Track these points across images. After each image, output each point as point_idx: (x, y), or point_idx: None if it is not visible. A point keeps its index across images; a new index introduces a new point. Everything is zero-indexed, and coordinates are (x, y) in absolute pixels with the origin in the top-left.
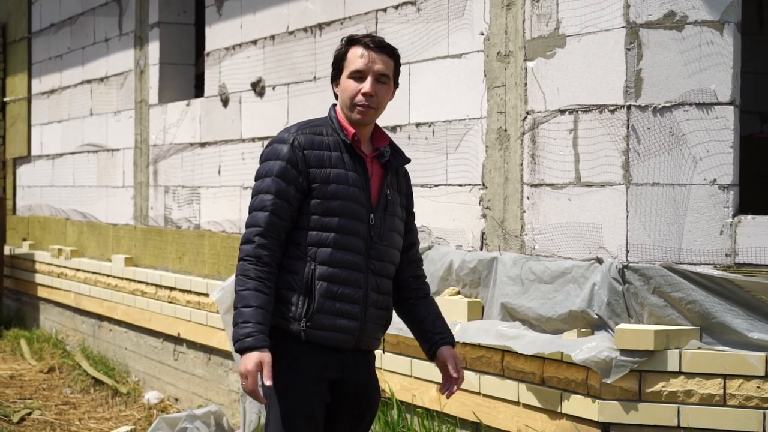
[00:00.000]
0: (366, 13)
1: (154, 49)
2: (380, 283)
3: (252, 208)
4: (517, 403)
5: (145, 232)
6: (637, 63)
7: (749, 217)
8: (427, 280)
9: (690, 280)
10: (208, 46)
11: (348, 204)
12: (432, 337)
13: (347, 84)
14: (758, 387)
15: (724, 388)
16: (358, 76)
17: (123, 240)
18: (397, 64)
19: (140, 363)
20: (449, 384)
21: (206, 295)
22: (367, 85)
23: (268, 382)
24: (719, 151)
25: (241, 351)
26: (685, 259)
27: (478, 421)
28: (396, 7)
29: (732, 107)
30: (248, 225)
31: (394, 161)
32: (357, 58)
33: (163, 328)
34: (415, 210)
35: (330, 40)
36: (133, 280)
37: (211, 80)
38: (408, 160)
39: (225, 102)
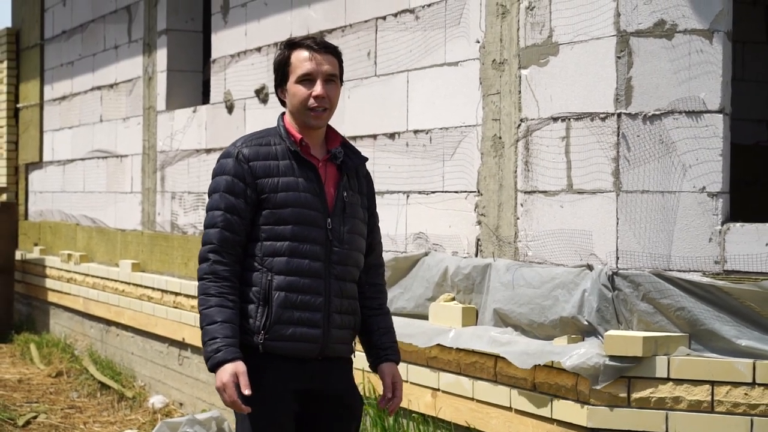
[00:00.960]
0: (366, 21)
1: (161, 55)
2: (344, 288)
3: (205, 226)
4: (509, 409)
5: (152, 237)
6: (628, 71)
7: (738, 224)
8: (386, 289)
9: (679, 287)
10: (214, 53)
11: (300, 211)
12: (377, 352)
13: (296, 89)
14: (746, 394)
15: (712, 394)
16: (307, 79)
17: (131, 245)
18: (340, 63)
19: (146, 368)
20: (386, 401)
21: None
22: (318, 88)
23: (246, 392)
24: (708, 158)
25: (214, 367)
26: (675, 266)
27: (470, 426)
28: (395, 15)
29: (721, 115)
30: (202, 243)
31: (350, 162)
32: (303, 61)
33: (169, 333)
34: (410, 216)
35: None
36: (140, 285)
37: (217, 87)
38: (365, 159)
39: (230, 108)
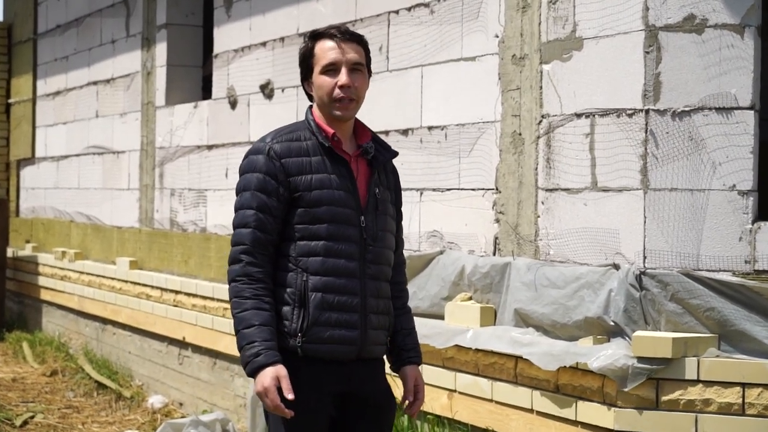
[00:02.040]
0: (377, 15)
1: (161, 50)
2: (379, 288)
3: (235, 225)
4: (531, 411)
5: (150, 234)
6: (656, 66)
7: None
8: (407, 287)
9: (708, 286)
10: (217, 48)
11: (335, 209)
12: (399, 353)
13: (321, 80)
14: None
15: (743, 396)
16: (332, 69)
17: (128, 243)
18: (367, 52)
19: (144, 367)
20: (408, 404)
21: (212, 298)
22: (343, 77)
23: (290, 396)
24: (739, 156)
25: (253, 372)
26: (704, 266)
27: (489, 428)
28: (408, 9)
29: (752, 112)
30: (233, 244)
31: (380, 157)
32: (327, 51)
33: (168, 332)
34: (424, 214)
35: None
36: (138, 284)
37: (219, 82)
38: (395, 154)
39: (233, 104)
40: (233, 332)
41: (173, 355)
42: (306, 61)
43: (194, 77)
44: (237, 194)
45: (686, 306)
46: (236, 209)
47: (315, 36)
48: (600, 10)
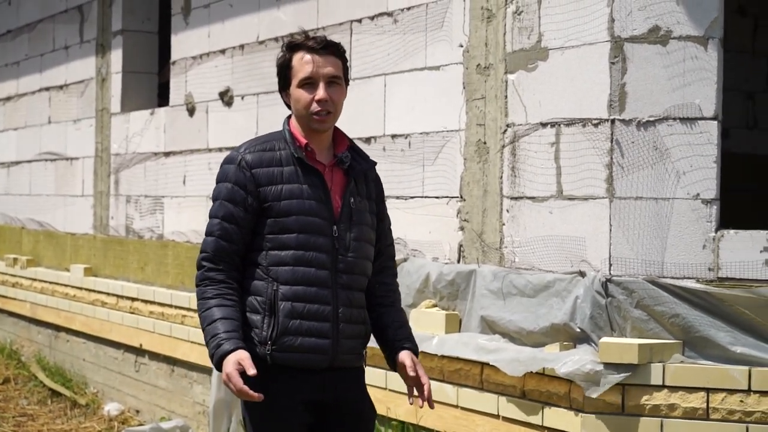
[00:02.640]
0: (340, 24)
1: (116, 57)
2: (351, 297)
3: (205, 233)
4: (497, 416)
5: (105, 241)
6: (622, 77)
7: (732, 231)
8: (399, 289)
9: (673, 293)
10: (174, 55)
11: (305, 219)
12: (393, 344)
13: (299, 94)
14: (741, 401)
15: (708, 401)
16: (309, 83)
17: (82, 249)
18: (344, 61)
19: (99, 374)
20: (418, 392)
21: (170, 305)
22: (320, 92)
23: (251, 372)
24: (703, 165)
25: (218, 363)
26: (668, 273)
27: None
28: (372, 18)
29: (716, 122)
30: (200, 251)
31: (357, 167)
32: (304, 64)
33: (125, 339)
34: (390, 221)
35: None
36: (93, 291)
37: (177, 89)
38: (373, 163)
39: (191, 111)
40: (191, 340)
41: (129, 362)
42: (283, 73)
43: (150, 84)
44: (212, 202)
45: (651, 313)
46: (209, 216)
47: (292, 47)
48: (565, 21)
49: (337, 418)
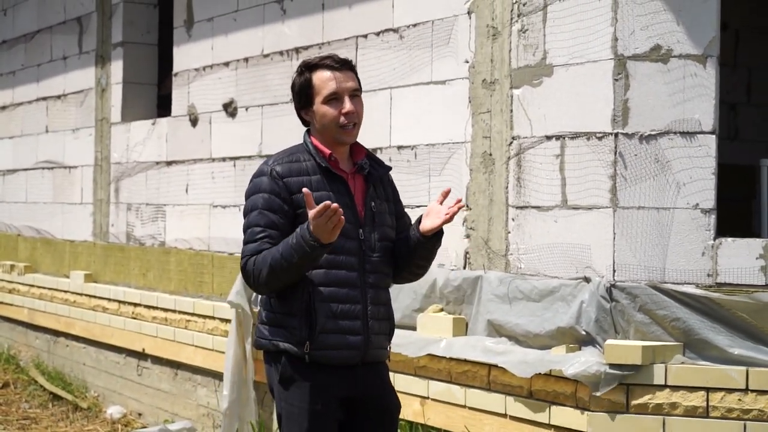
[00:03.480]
0: (345, 39)
1: (117, 68)
2: (378, 295)
3: (244, 242)
4: (504, 415)
5: (106, 248)
6: (625, 93)
7: (729, 239)
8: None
9: (674, 298)
10: (177, 67)
11: None
12: (408, 234)
13: (325, 110)
14: (739, 399)
15: (707, 400)
16: (334, 98)
17: (81, 256)
18: (357, 75)
19: (100, 378)
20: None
21: (174, 311)
22: (347, 105)
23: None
24: (702, 177)
25: (311, 238)
26: (669, 279)
27: None
28: (377, 34)
29: (714, 136)
30: (242, 256)
31: (375, 172)
32: (326, 81)
33: (127, 343)
34: (409, 217)
35: None
36: (94, 296)
37: (179, 100)
38: (389, 168)
39: (194, 122)
40: (195, 344)
41: (131, 366)
42: (304, 92)
43: (150, 94)
44: (245, 216)
45: (653, 316)
46: (245, 229)
47: (310, 67)
48: (570, 39)
49: (364, 413)
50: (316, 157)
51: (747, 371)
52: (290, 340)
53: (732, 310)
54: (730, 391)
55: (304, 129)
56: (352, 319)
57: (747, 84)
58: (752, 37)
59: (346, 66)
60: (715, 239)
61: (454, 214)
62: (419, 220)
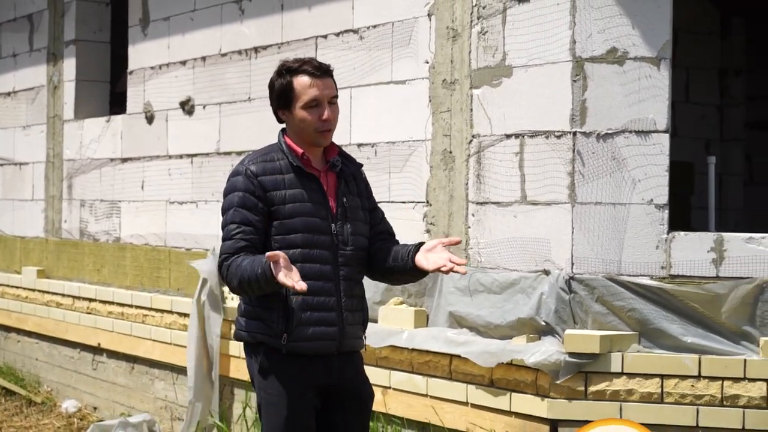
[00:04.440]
0: (305, 39)
1: (69, 65)
2: (352, 287)
3: (222, 239)
4: (466, 404)
5: (59, 244)
6: (583, 93)
7: (682, 233)
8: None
9: (630, 290)
10: (132, 65)
11: (308, 219)
12: (405, 255)
13: (304, 115)
14: (692, 386)
15: (662, 387)
16: (314, 104)
17: (33, 252)
18: (334, 81)
19: (53, 373)
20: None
21: (130, 305)
22: (326, 112)
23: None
24: (656, 174)
25: (264, 272)
26: (625, 271)
27: (426, 421)
28: (337, 34)
29: (667, 135)
30: (219, 254)
31: (347, 169)
32: (307, 88)
33: (81, 338)
34: (382, 211)
35: (267, 63)
36: (47, 292)
37: (135, 98)
38: (360, 165)
39: (150, 119)
40: (153, 338)
41: (86, 360)
42: (285, 94)
43: (103, 92)
44: (222, 214)
45: (610, 307)
46: (222, 227)
47: (290, 71)
48: (529, 42)
49: (338, 401)
50: (289, 156)
51: (699, 359)
52: (268, 332)
53: (685, 300)
54: (684, 377)
55: (265, 127)
56: (327, 310)
57: (685, 84)
58: (689, 38)
59: (326, 73)
60: (668, 233)
61: (451, 270)
62: (418, 248)
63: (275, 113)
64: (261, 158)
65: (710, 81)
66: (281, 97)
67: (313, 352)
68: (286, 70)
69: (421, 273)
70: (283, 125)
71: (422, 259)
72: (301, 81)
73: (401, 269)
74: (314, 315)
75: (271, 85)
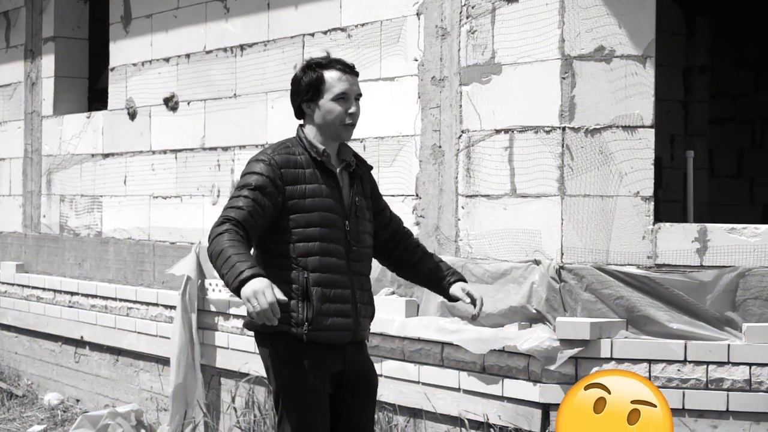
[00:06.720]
0: (292, 37)
1: (48, 62)
2: (362, 281)
3: (229, 206)
4: (458, 390)
5: (38, 239)
6: (571, 90)
7: (667, 224)
8: (418, 242)
9: (617, 278)
10: (113, 62)
11: (326, 214)
12: (441, 282)
13: (333, 107)
14: (678, 370)
15: (650, 371)
16: (343, 98)
17: (10, 247)
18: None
19: (33, 366)
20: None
21: (114, 299)
22: (353, 107)
23: (281, 297)
24: (642, 167)
25: (242, 283)
26: (613, 261)
27: (418, 408)
28: (325, 33)
29: (652, 130)
30: (225, 210)
31: (359, 170)
32: (337, 81)
33: (63, 332)
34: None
35: (252, 60)
36: (27, 286)
37: (117, 94)
38: (370, 167)
39: (132, 115)
40: (138, 330)
41: (68, 353)
42: (315, 86)
43: (81, 88)
44: (237, 188)
45: (599, 295)
46: (233, 196)
47: (321, 65)
48: (519, 40)
49: (349, 387)
50: (311, 151)
51: (685, 344)
52: (288, 321)
53: (670, 288)
54: (670, 362)
55: (250, 123)
56: (344, 302)
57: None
58: (659, 36)
59: (354, 72)
60: (654, 224)
61: (475, 317)
62: (458, 278)
63: (298, 107)
64: (284, 150)
65: (675, 78)
66: (310, 88)
67: (331, 341)
68: (316, 65)
69: (448, 296)
70: (301, 121)
71: (458, 293)
72: (333, 74)
73: (426, 281)
74: (332, 306)
75: (296, 80)
